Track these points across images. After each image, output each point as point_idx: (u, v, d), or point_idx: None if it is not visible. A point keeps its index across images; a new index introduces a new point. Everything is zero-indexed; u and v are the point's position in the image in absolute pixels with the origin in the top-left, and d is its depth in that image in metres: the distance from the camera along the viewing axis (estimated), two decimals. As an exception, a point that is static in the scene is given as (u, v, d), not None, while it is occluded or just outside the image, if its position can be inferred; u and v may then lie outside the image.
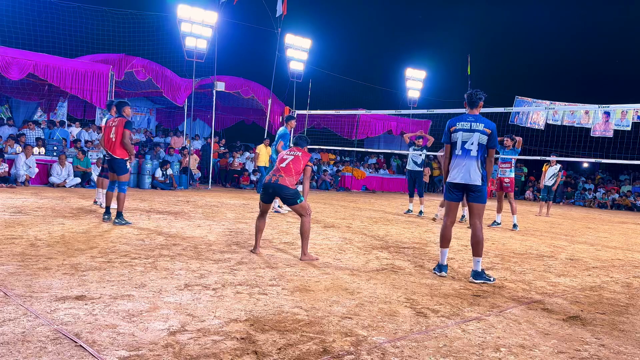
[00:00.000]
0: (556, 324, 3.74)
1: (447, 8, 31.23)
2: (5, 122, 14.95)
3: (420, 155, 11.44)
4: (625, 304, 4.52)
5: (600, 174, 25.36)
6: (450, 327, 3.48)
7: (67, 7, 14.53)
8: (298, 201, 5.54)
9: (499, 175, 10.28)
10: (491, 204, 11.70)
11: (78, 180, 13.13)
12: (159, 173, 14.37)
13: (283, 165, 5.66)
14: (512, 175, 10.20)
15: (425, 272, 5.26)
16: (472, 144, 5.06)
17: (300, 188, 5.84)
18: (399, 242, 7.18)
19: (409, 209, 11.83)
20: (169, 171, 14.54)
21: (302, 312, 3.56)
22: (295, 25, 19.11)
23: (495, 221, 10.24)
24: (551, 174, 14.01)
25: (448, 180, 5.25)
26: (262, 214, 5.86)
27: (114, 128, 7.34)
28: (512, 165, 10.21)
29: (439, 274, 5.17)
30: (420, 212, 11.46)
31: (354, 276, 4.80)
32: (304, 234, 5.57)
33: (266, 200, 5.71)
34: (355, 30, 31.09)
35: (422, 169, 11.51)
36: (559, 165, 13.90)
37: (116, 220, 7.11)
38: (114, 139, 7.32)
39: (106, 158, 7.67)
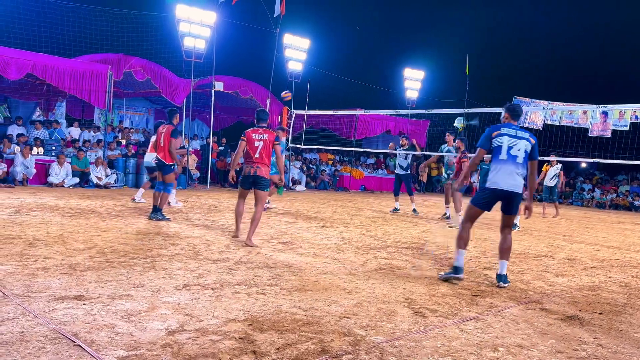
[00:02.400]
0: (554, 324, 3.75)
1: (445, 8, 31.25)
2: (13, 121, 14.93)
3: (406, 159, 11.84)
4: (623, 304, 4.53)
5: (598, 174, 25.41)
6: (448, 327, 3.49)
7: (66, 7, 14.51)
8: (266, 189, 6.36)
9: None
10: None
11: (76, 180, 13.12)
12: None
13: (257, 155, 6.22)
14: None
15: (424, 271, 5.27)
16: (519, 150, 4.87)
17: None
18: (397, 242, 7.18)
19: (395, 208, 12.05)
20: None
21: (300, 312, 3.56)
22: (294, 25, 19.11)
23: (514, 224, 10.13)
24: (552, 174, 14.01)
25: (488, 185, 4.92)
26: (242, 200, 6.50)
27: (163, 134, 8.06)
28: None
29: (455, 276, 4.84)
30: (414, 210, 11.71)
31: (352, 276, 4.81)
32: (255, 221, 6.20)
33: (246, 187, 6.41)
34: (353, 30, 31.11)
35: (408, 172, 11.89)
36: (559, 165, 13.87)
37: (152, 215, 7.68)
38: (162, 145, 8.05)
39: (154, 161, 8.38)
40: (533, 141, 4.95)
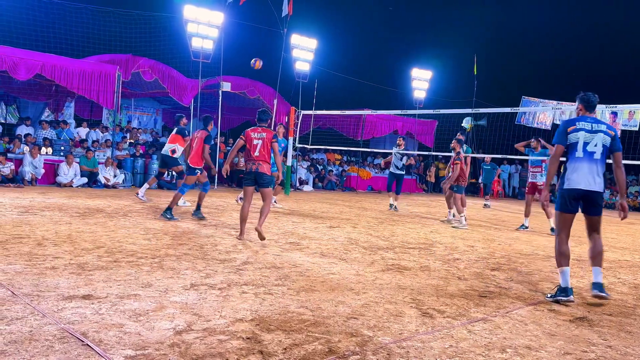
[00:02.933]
0: (563, 325, 3.72)
1: (453, 8, 31.14)
2: (23, 122, 15.05)
3: (401, 159, 12.32)
4: (633, 305, 4.49)
5: (607, 174, 25.23)
6: (456, 328, 3.47)
7: (74, 7, 14.61)
8: (270, 186, 6.66)
9: (530, 180, 10.09)
10: (520, 208, 11.63)
11: (85, 180, 13.19)
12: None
13: (257, 153, 6.54)
14: (545, 179, 9.87)
15: (431, 272, 5.25)
16: (595, 145, 4.50)
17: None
18: (405, 243, 7.17)
19: (391, 204, 12.48)
20: (175, 171, 14.58)
21: (307, 312, 3.56)
22: (301, 26, 19.12)
23: (523, 224, 10.08)
24: None
25: (566, 187, 4.60)
26: (247, 202, 6.74)
27: (197, 139, 8.53)
28: (543, 169, 9.94)
29: (565, 299, 4.33)
30: (395, 207, 12.25)
31: (359, 276, 4.80)
32: (264, 212, 6.58)
33: (249, 184, 6.66)
34: (361, 30, 31.07)
35: (403, 172, 12.44)
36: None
37: (163, 213, 7.90)
38: (194, 148, 8.55)
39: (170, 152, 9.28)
40: (612, 132, 4.58)
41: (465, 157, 10.36)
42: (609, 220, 14.25)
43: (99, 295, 3.60)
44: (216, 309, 3.48)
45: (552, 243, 8.16)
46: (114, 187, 13.48)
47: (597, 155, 4.53)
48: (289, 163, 15.40)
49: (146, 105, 20.99)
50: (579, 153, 4.54)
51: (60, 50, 14.21)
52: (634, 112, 19.35)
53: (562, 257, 4.56)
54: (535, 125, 22.04)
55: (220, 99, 16.16)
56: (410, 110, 18.13)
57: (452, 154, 10.21)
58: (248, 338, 2.99)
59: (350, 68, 24.71)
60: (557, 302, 4.38)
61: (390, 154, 12.86)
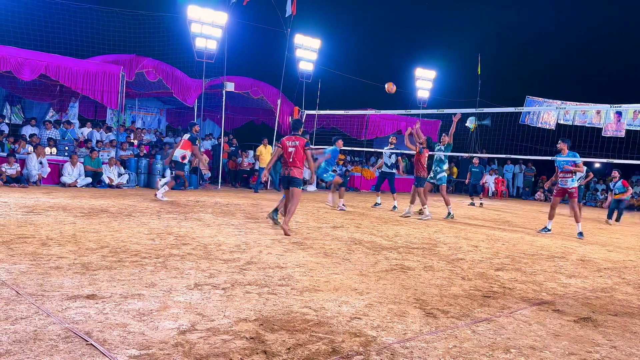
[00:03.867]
0: (567, 325, 3.71)
1: (457, 8, 31.08)
2: (29, 122, 15.10)
3: (390, 158, 12.51)
4: (638, 306, 4.47)
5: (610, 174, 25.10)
6: (460, 328, 3.47)
7: (78, 8, 14.65)
8: (299, 187, 7.47)
9: (560, 186, 9.71)
10: (524, 207, 11.60)
11: (89, 180, 13.23)
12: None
13: (290, 159, 7.42)
14: (575, 184, 9.69)
15: (435, 272, 5.24)
16: None
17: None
18: (409, 243, 7.16)
19: (376, 203, 12.79)
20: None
21: (311, 312, 3.56)
22: (305, 26, 19.12)
23: (546, 227, 9.80)
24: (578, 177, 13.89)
25: None
26: (285, 196, 7.74)
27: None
28: (574, 174, 9.64)
29: None
30: (394, 207, 12.38)
31: (363, 276, 4.80)
32: (291, 211, 7.37)
33: (285, 187, 7.67)
34: (364, 30, 31.06)
35: (393, 171, 12.60)
36: (584, 168, 13.68)
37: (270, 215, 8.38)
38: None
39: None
40: None
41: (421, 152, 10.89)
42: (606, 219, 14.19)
43: (103, 295, 3.61)
44: (220, 309, 3.49)
45: (557, 244, 8.15)
46: (118, 187, 13.51)
47: None
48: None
49: (150, 105, 21.05)
50: None
51: (64, 50, 14.25)
52: (639, 112, 19.27)
53: None
54: (539, 125, 21.99)
55: (224, 99, 16.17)
56: (413, 110, 18.08)
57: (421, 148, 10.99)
58: (252, 338, 2.99)
59: (354, 68, 24.73)
60: None
61: (396, 153, 12.94)
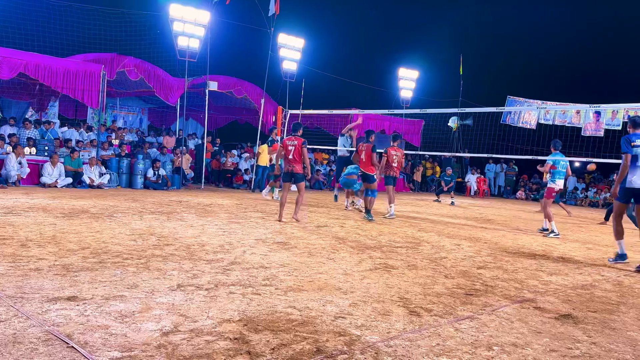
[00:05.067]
0: (548, 323, 3.76)
1: (439, 8, 31.31)
2: (7, 121, 14.83)
3: (348, 139, 12.38)
4: (617, 302, 4.55)
5: (591, 173, 25.51)
6: (443, 326, 3.49)
7: (59, 6, 14.44)
8: (302, 181, 8.70)
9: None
10: (505, 206, 11.67)
11: (69, 180, 13.05)
12: (150, 173, 14.32)
13: (291, 157, 8.63)
14: (551, 184, 9.71)
15: (419, 271, 5.28)
16: None
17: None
18: (392, 242, 7.19)
19: (335, 196, 13.03)
20: (162, 171, 14.49)
21: (295, 312, 3.55)
22: (288, 25, 19.10)
23: (552, 231, 9.49)
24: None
25: (628, 186, 6.39)
26: (285, 192, 8.83)
27: (364, 152, 9.98)
28: (549, 174, 9.73)
29: (622, 262, 6.51)
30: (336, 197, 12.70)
31: (347, 276, 4.81)
32: (298, 202, 8.71)
33: (287, 180, 8.86)
34: (348, 29, 31.12)
35: (350, 155, 12.10)
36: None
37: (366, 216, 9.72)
38: (364, 160, 10.03)
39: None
40: None
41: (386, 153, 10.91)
42: (593, 218, 14.43)
43: (84, 297, 3.56)
44: (203, 310, 3.46)
45: (537, 242, 8.25)
46: (99, 187, 13.35)
47: None
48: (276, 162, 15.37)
49: (132, 104, 20.84)
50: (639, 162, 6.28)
51: (44, 48, 14.04)
52: (617, 111, 19.62)
53: (618, 233, 6.68)
54: (520, 125, 22.25)
55: (207, 98, 16.07)
56: (397, 110, 18.18)
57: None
58: (235, 338, 2.98)
59: (338, 67, 24.75)
60: (617, 263, 6.53)
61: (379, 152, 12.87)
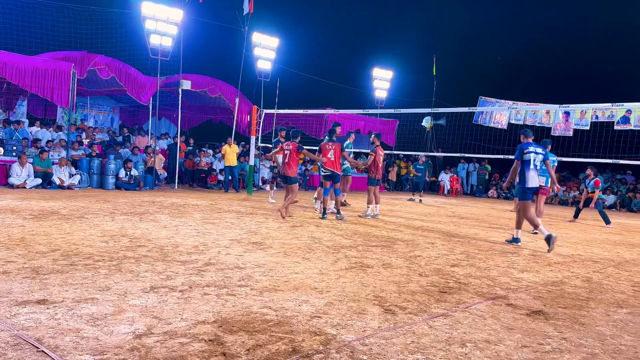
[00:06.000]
0: (520, 319, 3.83)
1: (412, 9, 31.59)
2: None
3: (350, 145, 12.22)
4: (586, 298, 4.66)
5: (560, 172, 26.09)
6: (417, 324, 3.53)
7: (27, 2, 14.09)
8: (294, 183, 9.40)
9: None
10: (476, 205, 11.79)
11: (39, 181, 12.76)
12: (122, 173, 14.09)
13: (286, 160, 9.41)
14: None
15: (394, 269, 5.32)
16: (538, 162, 7.84)
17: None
18: (368, 241, 7.23)
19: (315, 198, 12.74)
20: (134, 171, 14.27)
21: (271, 312, 3.54)
22: (263, 24, 19.03)
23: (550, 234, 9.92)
24: None
25: (526, 186, 7.78)
26: (286, 191, 9.65)
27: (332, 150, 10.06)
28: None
29: (552, 245, 7.33)
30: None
31: (322, 275, 4.81)
32: (289, 199, 9.32)
33: (284, 182, 9.66)
34: (322, 29, 31.15)
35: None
36: None
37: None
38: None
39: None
40: (544, 152, 7.98)
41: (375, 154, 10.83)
42: (563, 216, 14.76)
43: (54, 300, 3.48)
44: (177, 312, 3.42)
45: (509, 239, 8.39)
46: (69, 188, 13.08)
47: (538, 167, 7.90)
48: (251, 162, 15.31)
49: (103, 103, 20.48)
50: (532, 166, 7.79)
51: (11, 46, 13.70)
52: (585, 112, 20.10)
53: (534, 221, 7.88)
54: (491, 125, 22.62)
55: (180, 98, 15.89)
56: (372, 110, 18.29)
57: (372, 147, 10.91)
58: (210, 340, 2.95)
59: (313, 67, 24.73)
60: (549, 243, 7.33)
61: (354, 152, 12.87)
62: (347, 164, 11.22)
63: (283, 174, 9.51)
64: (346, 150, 11.90)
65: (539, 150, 7.91)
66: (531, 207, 8.09)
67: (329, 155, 9.83)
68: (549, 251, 7.31)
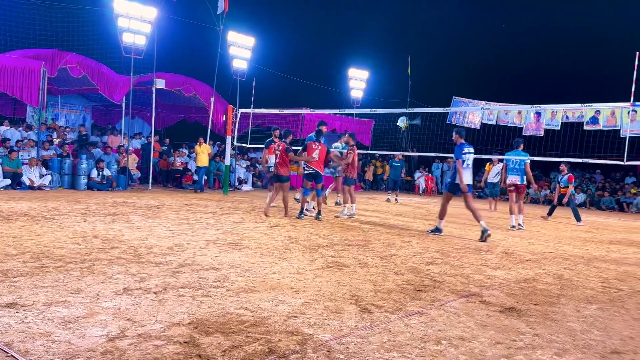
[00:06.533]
0: (493, 316, 3.89)
1: (386, 10, 31.80)
2: None
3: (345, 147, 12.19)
4: (557, 295, 4.76)
5: (532, 171, 26.56)
6: (393, 322, 3.55)
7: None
8: (285, 182, 9.77)
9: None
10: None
11: (8, 181, 12.44)
12: (94, 173, 13.83)
13: (277, 160, 9.78)
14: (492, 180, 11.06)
15: (370, 268, 5.34)
16: (470, 161, 8.54)
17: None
18: (344, 240, 7.25)
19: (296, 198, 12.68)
20: (106, 171, 14.03)
21: (247, 313, 3.52)
22: (238, 23, 18.89)
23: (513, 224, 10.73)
24: (495, 172, 14.75)
25: (457, 182, 8.36)
26: (275, 192, 10.19)
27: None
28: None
29: (439, 234, 8.46)
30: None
31: (299, 275, 4.81)
32: (284, 203, 9.94)
33: (275, 181, 10.04)
34: (298, 29, 31.09)
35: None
36: (501, 165, 14.38)
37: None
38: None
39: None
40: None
41: (351, 153, 10.91)
42: (534, 214, 15.03)
43: (24, 303, 3.40)
44: (151, 314, 3.38)
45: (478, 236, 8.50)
46: (39, 188, 12.79)
47: (470, 166, 8.57)
48: (227, 162, 15.20)
49: (74, 102, 20.07)
50: (465, 165, 8.41)
51: (-22, 43, 13.31)
52: (556, 112, 20.52)
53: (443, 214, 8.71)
54: (465, 125, 22.89)
55: (154, 96, 15.68)
56: (348, 110, 18.32)
57: (347, 147, 11.08)
58: (185, 342, 2.92)
59: (289, 67, 24.68)
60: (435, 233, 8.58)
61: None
62: (336, 165, 11.41)
63: (276, 174, 9.82)
64: (335, 150, 11.94)
65: (472, 149, 8.61)
66: (449, 199, 8.67)
67: (314, 155, 9.76)
68: (483, 240, 8.11)
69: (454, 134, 8.76)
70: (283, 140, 9.92)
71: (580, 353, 3.22)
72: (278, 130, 11.74)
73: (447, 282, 4.94)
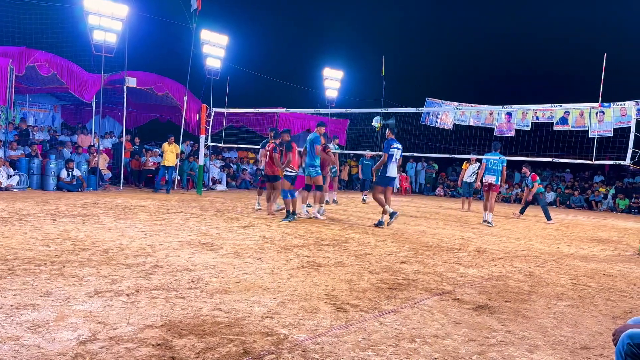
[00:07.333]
0: (466, 313, 3.95)
1: (361, 10, 31.94)
2: None
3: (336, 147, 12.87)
4: (528, 292, 4.85)
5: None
6: (368, 321, 3.57)
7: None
8: (276, 180, 9.87)
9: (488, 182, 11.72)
10: (425, 203, 11.99)
11: (-27, 182, 12.08)
12: (64, 173, 13.54)
13: (267, 159, 9.98)
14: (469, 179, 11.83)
15: (345, 267, 5.36)
16: (398, 155, 9.44)
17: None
18: (319, 240, 7.25)
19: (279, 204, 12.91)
20: (76, 172, 13.74)
21: (221, 314, 3.50)
22: (212, 21, 18.69)
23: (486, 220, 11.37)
24: (471, 172, 14.93)
25: (387, 175, 9.29)
26: (268, 190, 10.32)
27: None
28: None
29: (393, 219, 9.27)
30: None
31: (274, 275, 4.79)
32: (274, 199, 10.18)
33: (265, 180, 10.36)
34: (272, 28, 30.98)
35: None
36: (478, 164, 14.57)
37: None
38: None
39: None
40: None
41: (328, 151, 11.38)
42: (505, 213, 15.30)
43: (-10, 308, 3.31)
44: (123, 316, 3.32)
45: (455, 235, 8.62)
46: (7, 189, 12.45)
47: (399, 161, 9.40)
48: (200, 162, 15.05)
49: (43, 101, 19.59)
50: (394, 159, 9.28)
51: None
52: (527, 113, 20.92)
53: (382, 202, 9.37)
54: (438, 125, 23.16)
55: (125, 95, 15.42)
56: (322, 110, 18.33)
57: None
58: (158, 344, 2.88)
59: (263, 66, 24.56)
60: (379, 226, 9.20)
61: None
62: (328, 165, 11.86)
63: (266, 174, 10.09)
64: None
65: (400, 146, 9.46)
66: (382, 192, 9.42)
67: (296, 158, 10.04)
68: (388, 225, 9.24)
69: (387, 129, 9.45)
70: (273, 140, 10.02)
71: (551, 349, 3.28)
72: (273, 131, 11.66)
73: (421, 281, 4.99)
